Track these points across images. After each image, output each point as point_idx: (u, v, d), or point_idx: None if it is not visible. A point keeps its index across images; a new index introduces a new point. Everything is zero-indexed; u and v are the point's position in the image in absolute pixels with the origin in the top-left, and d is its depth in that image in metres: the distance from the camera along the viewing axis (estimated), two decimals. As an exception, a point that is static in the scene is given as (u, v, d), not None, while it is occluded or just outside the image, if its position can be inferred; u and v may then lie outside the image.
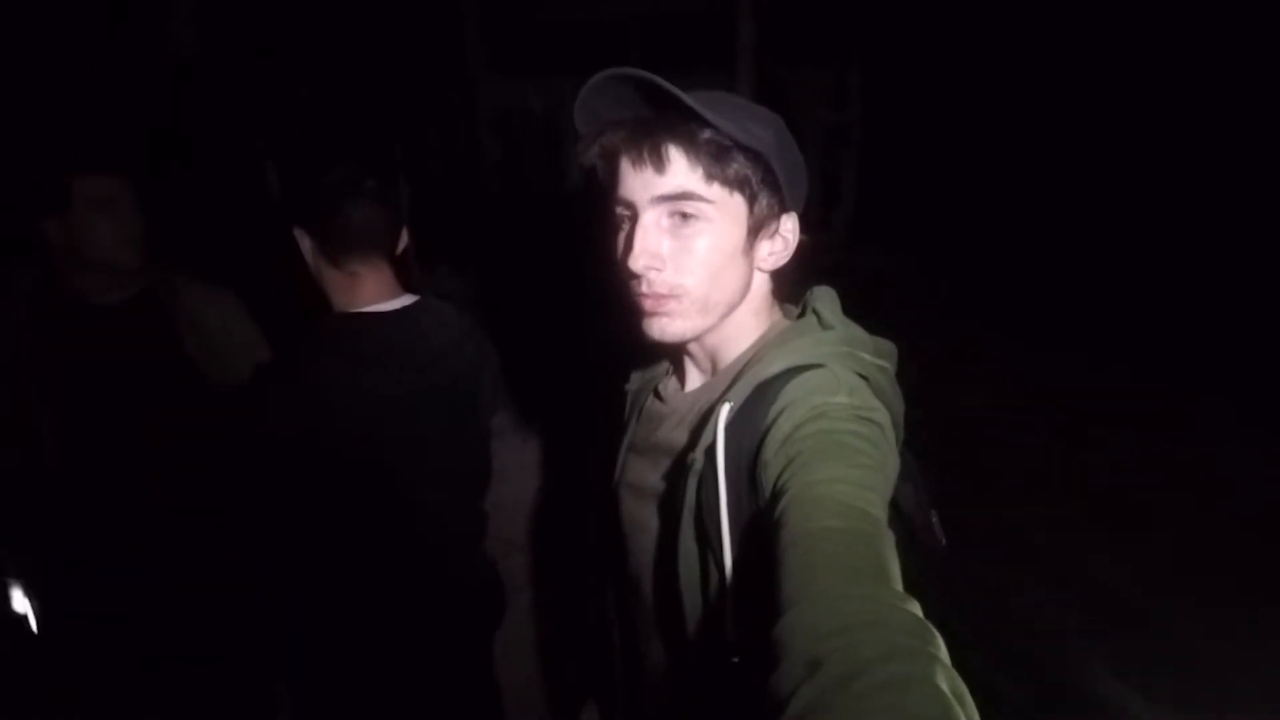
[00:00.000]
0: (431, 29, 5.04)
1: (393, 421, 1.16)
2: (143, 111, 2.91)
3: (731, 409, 0.74)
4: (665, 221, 0.77)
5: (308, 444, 1.10)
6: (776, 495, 0.64)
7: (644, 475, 0.91)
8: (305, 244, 1.18)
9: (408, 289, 1.26)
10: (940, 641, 0.48)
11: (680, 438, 0.86)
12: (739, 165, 0.74)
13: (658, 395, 0.94)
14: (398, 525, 1.22)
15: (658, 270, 0.77)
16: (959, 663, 0.46)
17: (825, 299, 0.84)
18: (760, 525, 0.66)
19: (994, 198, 7.87)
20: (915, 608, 0.50)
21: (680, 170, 0.74)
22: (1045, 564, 2.76)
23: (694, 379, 0.90)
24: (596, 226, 0.85)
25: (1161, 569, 2.68)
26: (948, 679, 0.44)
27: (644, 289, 0.78)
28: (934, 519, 0.88)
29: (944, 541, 0.89)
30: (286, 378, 1.14)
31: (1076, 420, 3.89)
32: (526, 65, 6.00)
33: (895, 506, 0.78)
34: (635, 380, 1.02)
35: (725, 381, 0.82)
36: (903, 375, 0.83)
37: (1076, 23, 7.75)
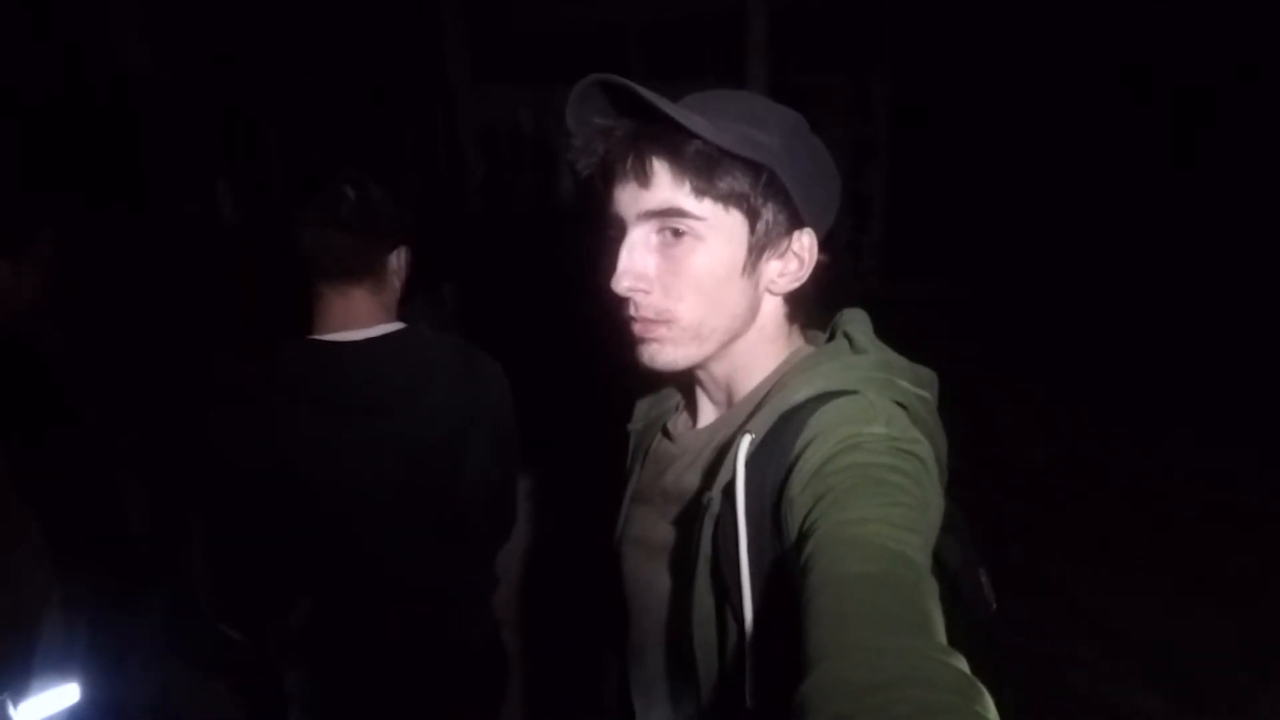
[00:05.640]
0: (409, 35, 5.19)
1: (323, 466, 1.20)
2: (87, 130, 2.99)
3: (753, 441, 0.75)
4: (654, 239, 0.78)
5: (236, 475, 1.18)
6: (804, 537, 0.64)
7: (650, 527, 0.91)
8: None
9: (402, 315, 1.31)
10: (989, 700, 0.48)
11: (692, 481, 0.86)
12: (733, 179, 0.74)
13: (666, 434, 0.94)
14: (338, 579, 1.27)
15: (645, 293, 0.78)
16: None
17: (856, 321, 0.85)
18: (785, 572, 0.67)
19: (1045, 220, 7.85)
20: (960, 662, 0.51)
21: (665, 184, 0.75)
22: (1111, 635, 2.72)
23: (707, 414, 0.90)
24: (590, 247, 0.87)
25: (1247, 642, 2.64)
26: None
27: (632, 313, 0.80)
28: (983, 578, 0.88)
29: (994, 605, 0.88)
30: (229, 400, 1.23)
31: (1146, 475, 3.86)
32: (514, 75, 6.14)
33: (938, 562, 0.78)
34: (640, 417, 1.02)
35: (744, 413, 0.83)
36: (944, 410, 0.84)
37: (1132, 22, 7.79)
